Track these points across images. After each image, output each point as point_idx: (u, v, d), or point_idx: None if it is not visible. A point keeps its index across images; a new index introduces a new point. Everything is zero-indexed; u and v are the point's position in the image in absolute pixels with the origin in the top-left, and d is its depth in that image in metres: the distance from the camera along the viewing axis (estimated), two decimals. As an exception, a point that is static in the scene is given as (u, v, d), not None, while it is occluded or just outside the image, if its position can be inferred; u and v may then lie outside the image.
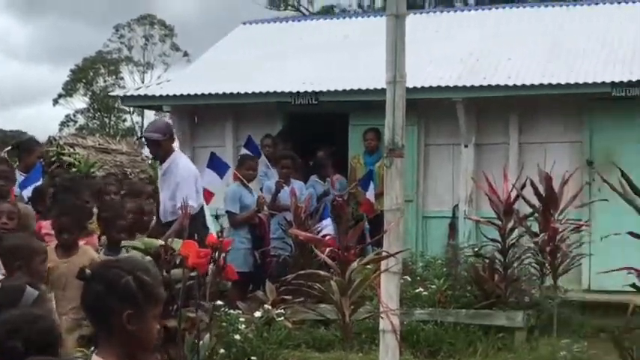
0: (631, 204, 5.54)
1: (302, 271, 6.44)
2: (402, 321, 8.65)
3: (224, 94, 13.11)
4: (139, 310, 3.03)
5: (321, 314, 6.98)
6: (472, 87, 12.30)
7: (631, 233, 5.75)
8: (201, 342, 6.24)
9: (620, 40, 13.02)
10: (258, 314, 8.78)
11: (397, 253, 5.89)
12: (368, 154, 12.69)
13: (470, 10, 16.92)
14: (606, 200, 8.11)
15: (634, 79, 11.65)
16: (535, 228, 9.80)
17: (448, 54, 13.49)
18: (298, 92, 12.83)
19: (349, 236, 6.02)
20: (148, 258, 5.93)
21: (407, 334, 8.75)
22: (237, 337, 7.99)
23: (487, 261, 9.91)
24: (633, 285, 5.58)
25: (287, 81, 13.19)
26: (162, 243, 6.23)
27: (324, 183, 12.27)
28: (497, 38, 13.91)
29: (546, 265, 9.49)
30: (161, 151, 9.04)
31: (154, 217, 8.98)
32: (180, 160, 9.13)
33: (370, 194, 11.86)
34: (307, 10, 37.87)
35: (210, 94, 13.19)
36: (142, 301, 3.04)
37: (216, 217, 11.07)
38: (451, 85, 12.39)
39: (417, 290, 9.90)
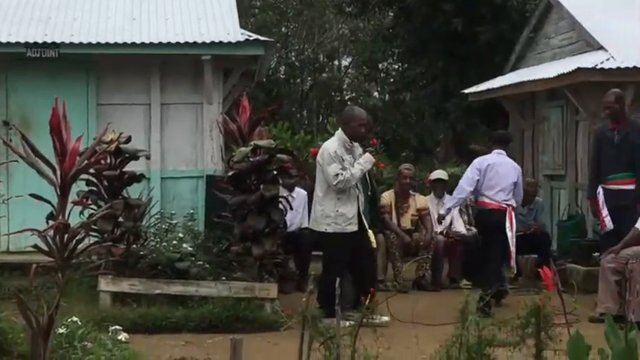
0: (33, 166, 5.60)
1: None
2: None
3: None
4: None
5: None
6: None
7: (33, 195, 5.81)
8: None
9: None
10: None
11: None
12: None
13: None
14: (17, 161, 8.09)
15: (49, 41, 11.77)
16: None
17: None
18: None
19: None
20: None
21: None
22: None
23: None
24: (35, 246, 5.66)
25: None
26: None
27: None
28: None
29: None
30: None
31: None
32: None
33: None
34: None
35: None
36: None
37: None
38: None
39: None
